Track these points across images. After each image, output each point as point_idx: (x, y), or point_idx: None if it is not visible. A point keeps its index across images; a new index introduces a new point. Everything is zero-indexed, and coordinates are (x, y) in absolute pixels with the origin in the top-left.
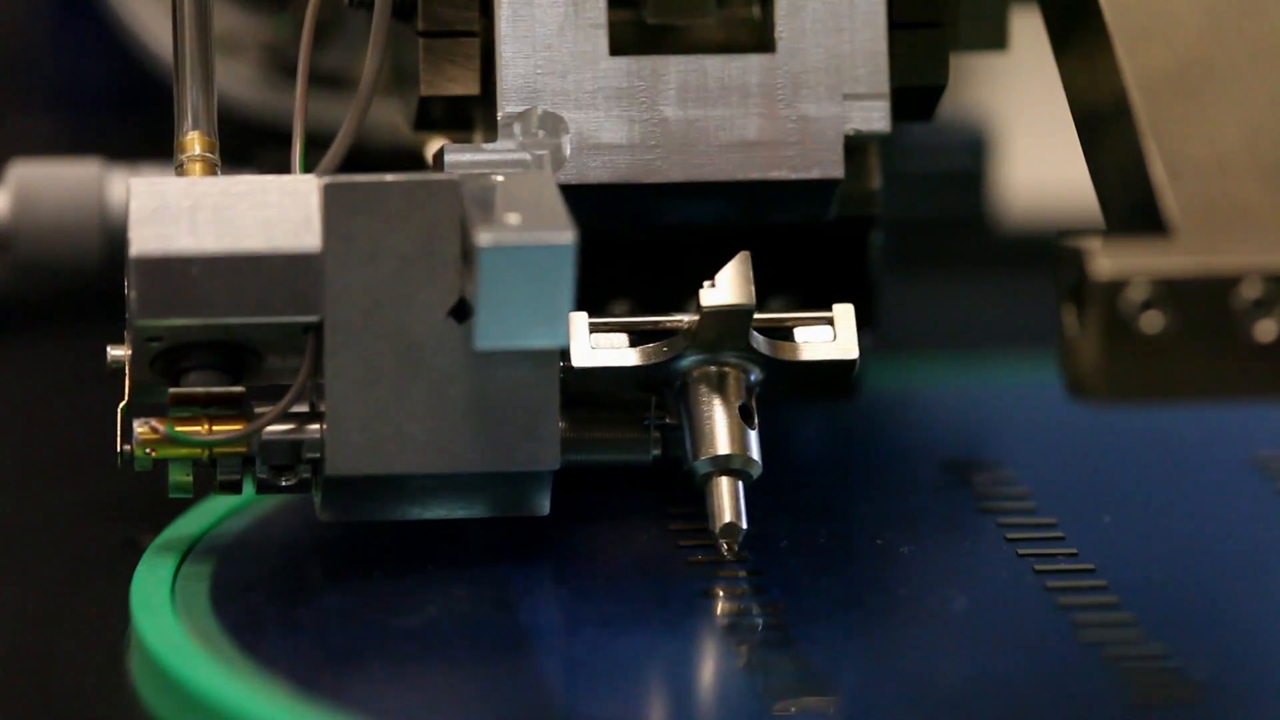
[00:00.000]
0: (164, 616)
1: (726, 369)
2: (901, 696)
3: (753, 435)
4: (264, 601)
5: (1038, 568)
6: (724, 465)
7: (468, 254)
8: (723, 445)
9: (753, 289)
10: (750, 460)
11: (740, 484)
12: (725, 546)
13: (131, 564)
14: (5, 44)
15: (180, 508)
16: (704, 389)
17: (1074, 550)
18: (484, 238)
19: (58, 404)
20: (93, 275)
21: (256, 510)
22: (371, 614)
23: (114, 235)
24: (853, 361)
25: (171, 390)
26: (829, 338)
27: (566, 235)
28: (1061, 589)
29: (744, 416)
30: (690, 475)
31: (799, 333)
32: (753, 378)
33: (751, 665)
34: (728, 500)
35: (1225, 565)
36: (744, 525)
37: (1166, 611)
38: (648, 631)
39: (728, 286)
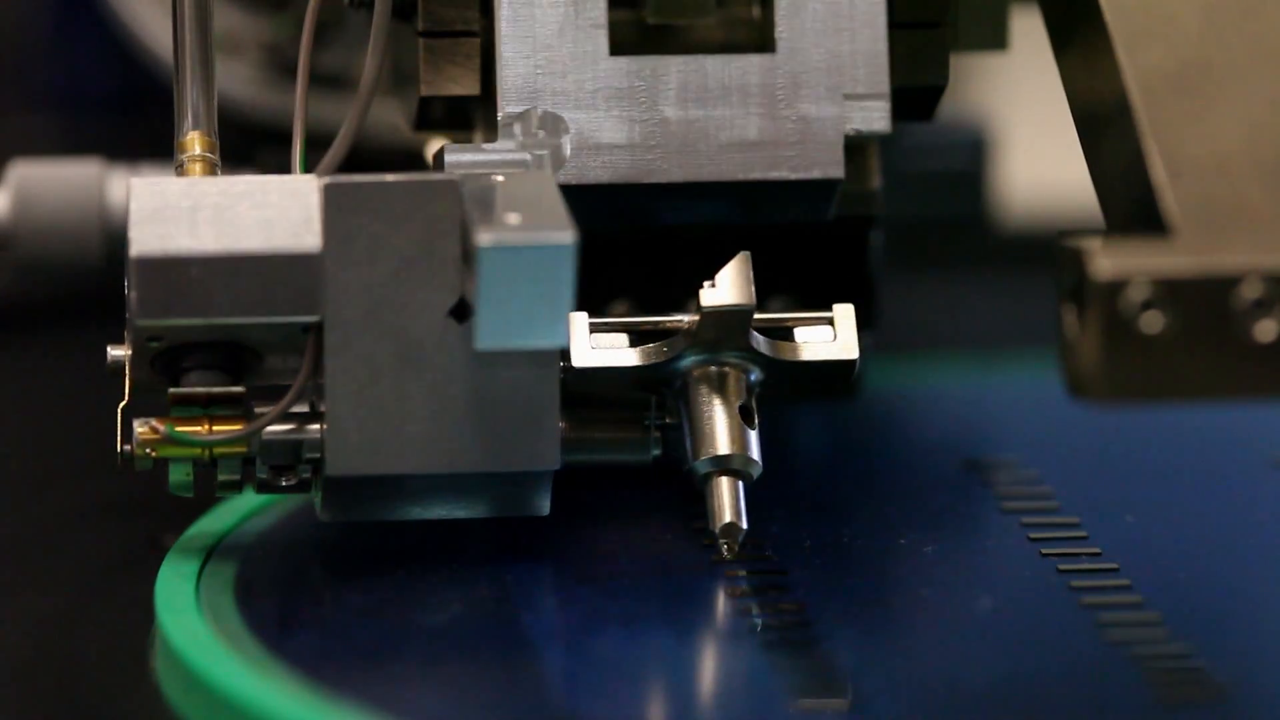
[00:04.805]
0: (188, 615)
1: (726, 369)
2: (925, 696)
3: (753, 435)
4: (288, 600)
5: (1061, 568)
6: (724, 465)
7: (468, 254)
8: (723, 445)
9: (753, 289)
10: (750, 460)
11: (740, 484)
12: (725, 547)
13: (155, 564)
14: (5, 44)
15: (202, 507)
16: (704, 389)
17: (1097, 550)
18: (484, 238)
19: (59, 404)
20: (93, 275)
21: (280, 509)
22: (396, 612)
23: (114, 235)
24: (853, 361)
25: (171, 390)
26: (829, 338)
27: (566, 235)
28: (1085, 589)
29: (744, 416)
30: (690, 475)
31: (799, 333)
32: (753, 378)
33: (775, 665)
34: (728, 500)
35: (1249, 564)
36: (744, 525)
37: (1191, 611)
38: (670, 631)
39: (728, 286)
